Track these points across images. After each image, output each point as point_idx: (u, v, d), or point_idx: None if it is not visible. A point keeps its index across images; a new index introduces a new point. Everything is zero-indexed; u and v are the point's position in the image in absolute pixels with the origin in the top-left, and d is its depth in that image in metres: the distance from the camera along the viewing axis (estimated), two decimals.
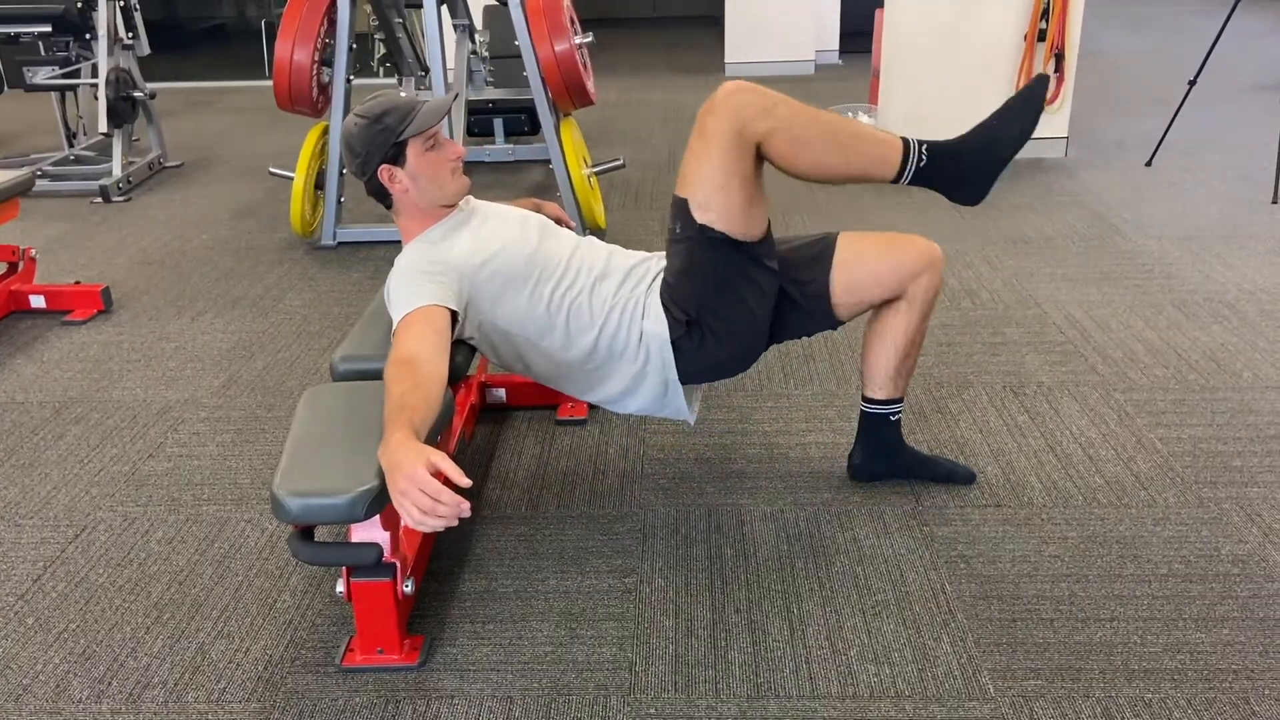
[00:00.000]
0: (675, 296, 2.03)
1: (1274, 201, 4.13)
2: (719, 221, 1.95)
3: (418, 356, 1.76)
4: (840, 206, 4.33)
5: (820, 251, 2.13)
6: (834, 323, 2.15)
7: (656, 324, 2.03)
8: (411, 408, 1.63)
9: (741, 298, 2.04)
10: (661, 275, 2.09)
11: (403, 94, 2.02)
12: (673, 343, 2.03)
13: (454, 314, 1.91)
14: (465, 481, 1.51)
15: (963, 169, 2.00)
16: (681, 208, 1.99)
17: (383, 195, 2.05)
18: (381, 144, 1.97)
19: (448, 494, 1.48)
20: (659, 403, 2.13)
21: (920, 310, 2.14)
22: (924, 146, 1.97)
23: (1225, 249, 3.68)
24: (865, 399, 2.26)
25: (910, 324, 2.14)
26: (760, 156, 1.94)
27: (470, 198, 2.16)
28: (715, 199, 1.94)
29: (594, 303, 2.05)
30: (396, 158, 1.99)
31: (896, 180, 1.99)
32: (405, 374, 1.72)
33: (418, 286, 1.90)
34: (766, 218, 2.04)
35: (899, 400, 2.24)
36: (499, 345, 2.09)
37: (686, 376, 2.08)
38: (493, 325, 2.04)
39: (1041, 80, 2.01)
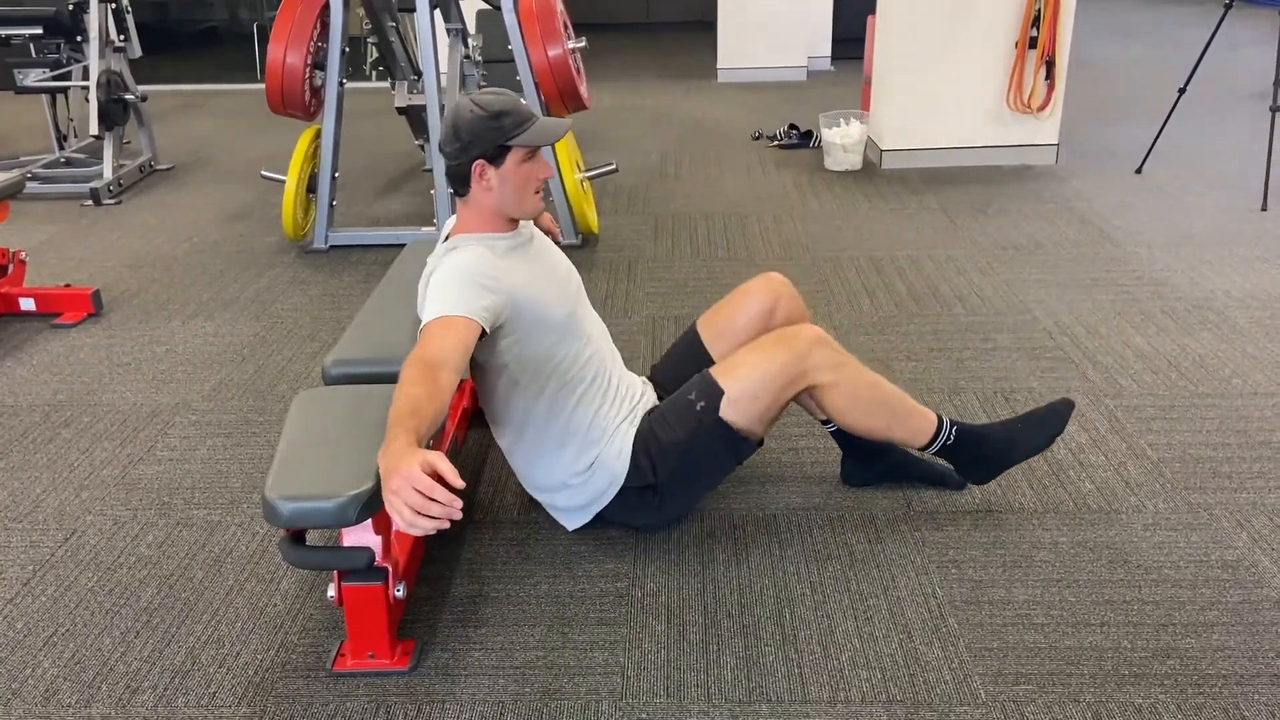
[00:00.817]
0: (653, 454, 2.08)
1: (1263, 209, 4.15)
2: (738, 419, 2.06)
3: (445, 364, 1.74)
4: (830, 213, 4.34)
5: (688, 346, 2.32)
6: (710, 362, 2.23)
7: (617, 461, 2.08)
8: (421, 416, 1.61)
9: (708, 484, 2.24)
10: (640, 414, 2.14)
11: (521, 100, 2.01)
12: (623, 489, 2.10)
13: (483, 333, 1.89)
14: (459, 483, 1.51)
15: (980, 458, 2.20)
16: (713, 391, 2.06)
17: (463, 183, 2.01)
18: (489, 140, 1.95)
19: (441, 492, 1.48)
20: (564, 511, 2.18)
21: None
22: (955, 429, 2.17)
23: (1214, 256, 3.70)
24: (823, 421, 2.30)
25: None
26: (804, 391, 2.10)
27: (531, 225, 2.18)
28: (746, 403, 2.05)
29: (587, 396, 2.08)
30: (496, 158, 1.97)
31: (922, 450, 2.19)
32: (426, 378, 1.69)
33: (468, 292, 1.87)
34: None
35: None
36: (490, 368, 2.06)
37: (608, 512, 2.15)
38: (498, 353, 2.02)
39: (1069, 404, 2.22)
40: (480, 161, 1.96)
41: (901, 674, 1.81)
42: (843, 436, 2.30)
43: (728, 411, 2.04)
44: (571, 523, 2.20)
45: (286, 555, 1.76)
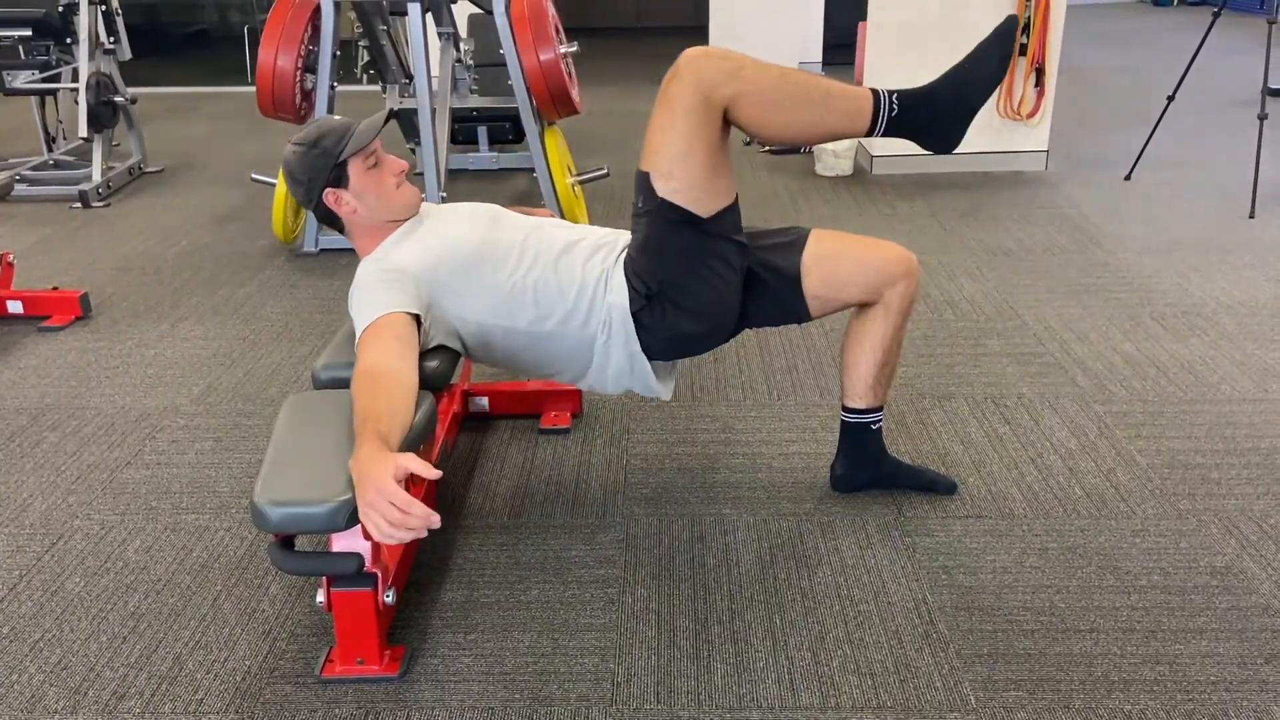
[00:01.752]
0: (637, 269, 2.01)
1: (1250, 216, 4.17)
2: (681, 193, 1.92)
3: (379, 366, 1.76)
4: (821, 217, 4.35)
5: (793, 240, 2.13)
6: (803, 315, 2.14)
7: (618, 295, 2.01)
8: (376, 416, 1.62)
9: (705, 272, 2.02)
10: (626, 249, 2.08)
11: (335, 118, 2.03)
12: (634, 315, 2.01)
13: (416, 318, 1.89)
14: (434, 474, 1.50)
15: (935, 115, 1.97)
16: (644, 181, 1.96)
17: (332, 219, 2.04)
18: (322, 168, 1.97)
19: (418, 506, 1.47)
20: (628, 376, 2.10)
21: (896, 318, 2.15)
22: (894, 96, 1.94)
23: (1203, 263, 3.71)
24: (845, 409, 2.27)
25: (887, 332, 2.15)
26: (727, 123, 1.91)
27: (426, 204, 2.15)
28: (678, 167, 1.91)
29: (560, 277, 2.02)
30: (339, 180, 1.99)
31: (870, 133, 1.96)
32: (367, 385, 1.71)
33: (374, 296, 1.89)
34: (733, 190, 2.01)
35: (879, 409, 2.25)
36: (475, 344, 2.07)
37: (650, 350, 2.05)
38: (462, 322, 2.03)
39: (1010, 21, 1.98)
40: (328, 190, 1.99)
41: (892, 680, 1.81)
42: (851, 431, 2.27)
43: (666, 190, 1.92)
44: (645, 384, 2.10)
45: (275, 561, 1.75)
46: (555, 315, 2.03)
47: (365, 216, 2.02)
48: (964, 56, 1.99)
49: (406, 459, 1.50)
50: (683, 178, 1.91)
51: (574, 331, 2.04)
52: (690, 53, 1.88)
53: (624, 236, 2.13)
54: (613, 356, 2.07)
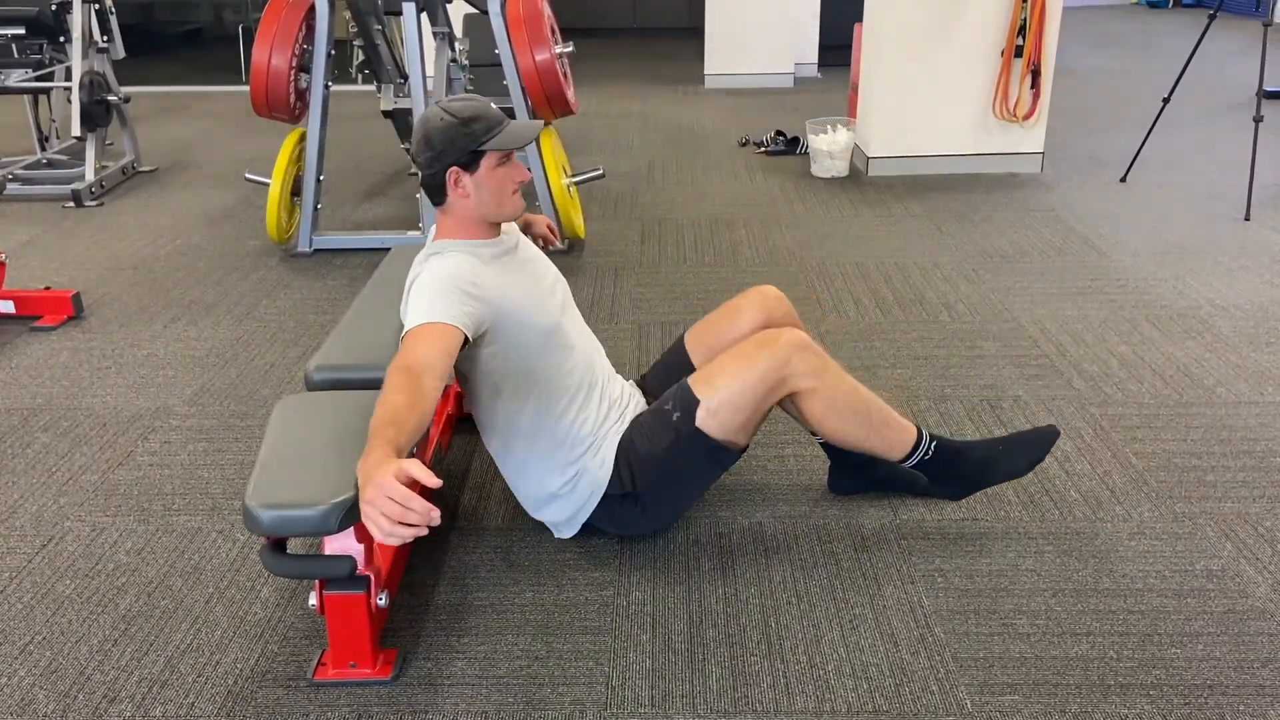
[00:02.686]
0: (633, 464, 2.07)
1: (1246, 218, 4.18)
2: (717, 430, 2.03)
3: (428, 370, 1.72)
4: (817, 220, 4.34)
5: (675, 357, 2.29)
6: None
7: (600, 469, 2.08)
8: (401, 426, 1.59)
9: (691, 494, 2.21)
10: (628, 420, 2.13)
11: (491, 104, 2.00)
12: (605, 496, 2.09)
13: (466, 340, 1.88)
14: (436, 482, 1.49)
15: (957, 475, 2.18)
16: (689, 402, 2.04)
17: (439, 192, 2.00)
18: (462, 147, 1.94)
19: (418, 500, 1.46)
20: (554, 517, 2.17)
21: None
22: (934, 444, 2.13)
23: (1199, 265, 3.71)
24: (812, 433, 2.20)
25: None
26: (786, 400, 2.07)
27: (516, 229, 2.17)
28: (726, 413, 2.02)
29: (572, 407, 2.07)
30: (470, 164, 1.96)
31: (900, 463, 2.14)
32: (408, 385, 1.67)
33: (451, 300, 1.85)
34: (750, 438, 2.13)
35: None
36: (474, 378, 2.05)
37: (594, 520, 2.13)
38: (481, 361, 2.01)
39: (1054, 431, 2.18)
40: (454, 169, 1.95)
41: (887, 684, 1.80)
42: (831, 446, 2.29)
43: (706, 422, 2.02)
44: (562, 533, 2.19)
45: (267, 563, 1.74)
46: (545, 426, 2.06)
47: (473, 207, 2.00)
48: (1006, 437, 2.20)
49: (410, 464, 1.49)
50: (725, 421, 2.03)
51: (544, 452, 2.08)
52: (792, 338, 2.04)
53: (634, 399, 2.22)
54: (557, 502, 2.12)
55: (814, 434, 2.20)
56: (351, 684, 1.82)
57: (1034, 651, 1.86)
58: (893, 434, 2.10)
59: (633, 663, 1.86)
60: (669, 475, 2.08)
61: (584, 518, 2.13)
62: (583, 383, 2.10)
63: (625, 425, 2.12)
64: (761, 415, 2.07)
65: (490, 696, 1.79)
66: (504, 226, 2.09)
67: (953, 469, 2.16)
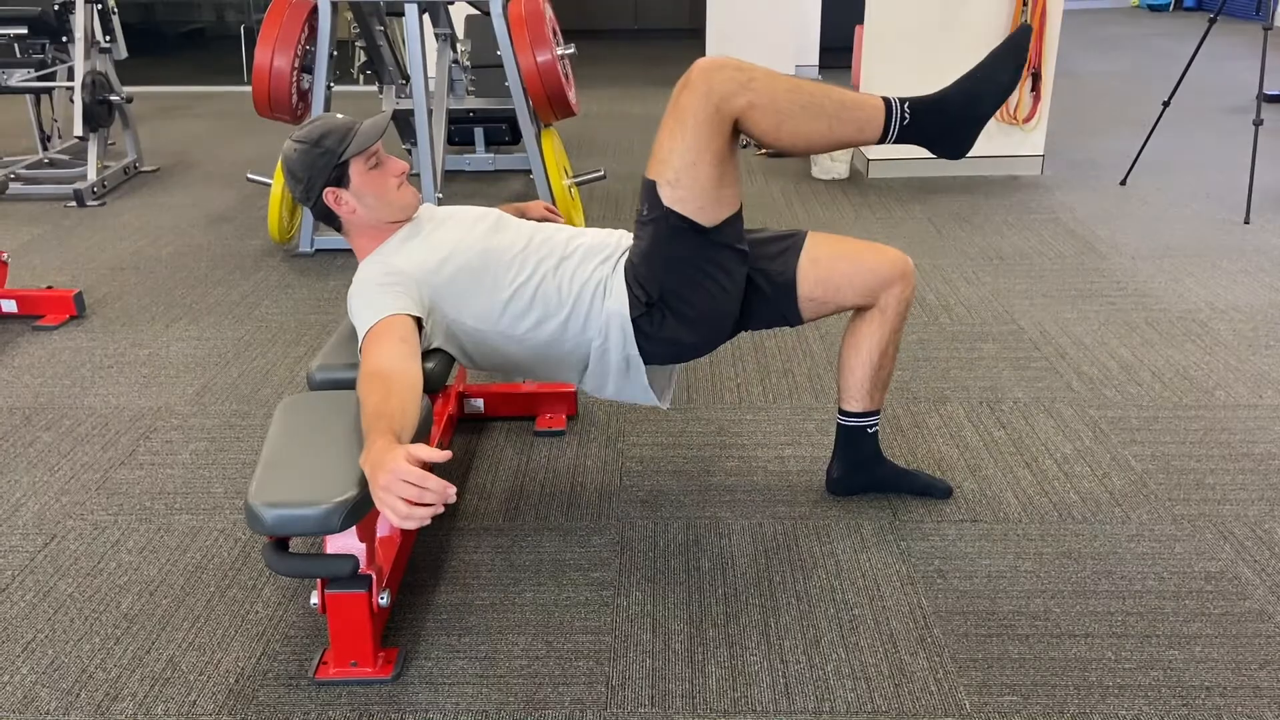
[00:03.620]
0: (638, 276, 2.02)
1: (1245, 222, 4.19)
2: (687, 201, 1.92)
3: (386, 367, 1.76)
4: (817, 222, 4.35)
5: (789, 245, 2.13)
6: (795, 319, 2.14)
7: (618, 302, 2.02)
8: (389, 415, 1.62)
9: (706, 282, 2.02)
10: (627, 253, 2.08)
11: (338, 116, 2.02)
12: (633, 321, 2.02)
13: (418, 320, 1.90)
14: (445, 455, 1.51)
15: (947, 123, 1.98)
16: (650, 189, 1.96)
17: (330, 218, 2.05)
18: (323, 167, 1.97)
19: (433, 479, 1.48)
20: (624, 382, 2.11)
21: (893, 321, 2.15)
22: (906, 104, 1.95)
23: (1198, 268, 3.72)
24: (842, 412, 2.27)
25: (884, 335, 2.16)
26: (736, 133, 1.91)
27: (425, 206, 2.15)
28: (685, 176, 1.91)
29: (560, 284, 2.03)
30: (340, 179, 1.99)
31: (881, 140, 1.97)
32: (376, 386, 1.71)
33: (377, 298, 1.89)
34: (738, 199, 2.01)
35: (875, 413, 2.25)
36: (472, 348, 2.08)
37: (647, 355, 2.06)
38: (462, 327, 2.03)
39: (1024, 30, 1.98)
40: (329, 190, 1.99)
41: (887, 685, 1.81)
42: (847, 435, 2.28)
43: (671, 196, 1.92)
44: (641, 390, 2.11)
45: (270, 562, 1.74)
46: (554, 321, 2.03)
47: (364, 217, 2.03)
48: (977, 64, 1.98)
49: (417, 447, 1.51)
50: (689, 186, 1.91)
51: (572, 336, 2.05)
52: (703, 63, 1.88)
53: (625, 239, 2.13)
54: (610, 361, 2.07)
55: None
56: (352, 683, 1.82)
57: (1033, 653, 1.87)
58: (859, 112, 1.94)
59: (633, 663, 1.87)
60: (670, 268, 1.98)
61: (638, 361, 2.04)
62: (558, 264, 2.04)
63: (620, 259, 2.07)
64: (722, 161, 1.91)
65: (490, 696, 1.79)
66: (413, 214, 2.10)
67: (939, 121, 1.96)
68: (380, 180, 2.02)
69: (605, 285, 2.03)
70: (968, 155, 2.05)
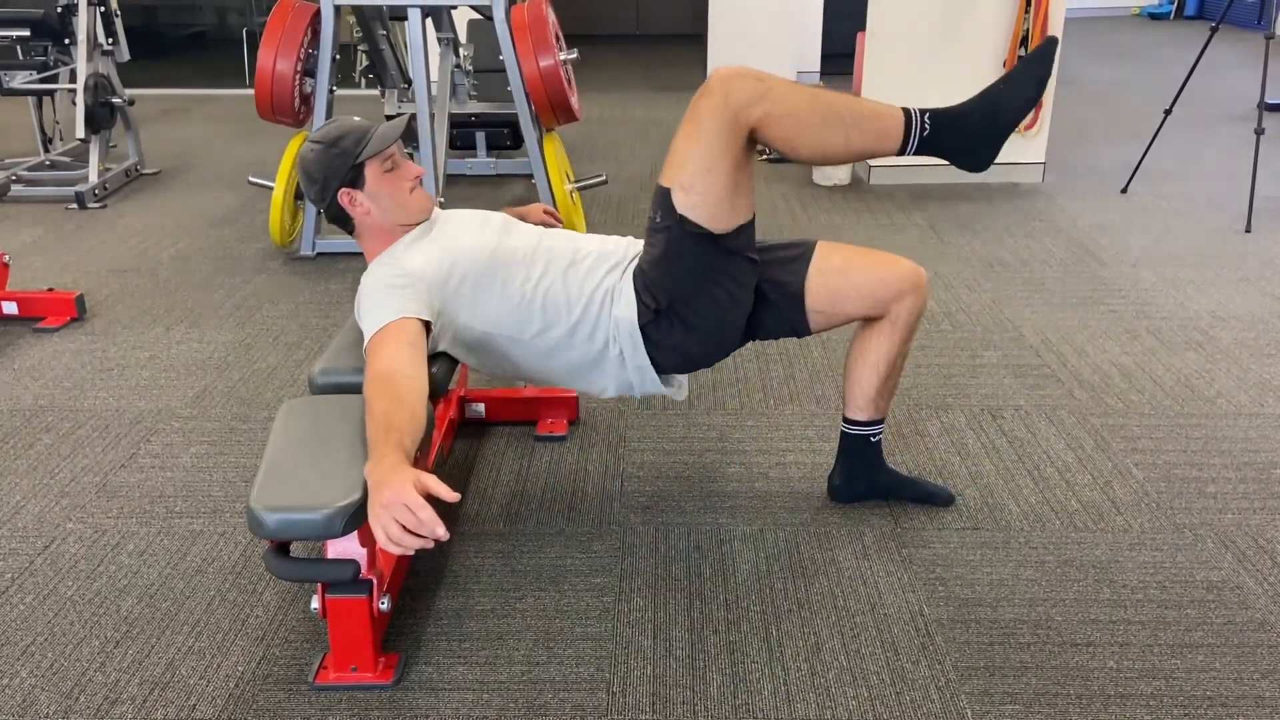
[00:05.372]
0: (648, 283, 2.01)
1: (1247, 230, 4.19)
2: (700, 208, 1.92)
3: (395, 371, 1.75)
4: (819, 229, 4.35)
5: (799, 254, 2.13)
6: (804, 329, 2.14)
7: (626, 309, 2.02)
8: (399, 428, 1.61)
9: (716, 290, 2.01)
10: (636, 259, 2.08)
11: (355, 118, 2.03)
12: (641, 329, 2.01)
13: (427, 324, 1.89)
14: (454, 496, 1.50)
15: (968, 135, 1.96)
16: (664, 196, 1.96)
17: (344, 219, 2.05)
18: (339, 168, 1.98)
19: (429, 514, 1.47)
20: (636, 386, 2.11)
21: (903, 332, 2.14)
22: (926, 115, 1.93)
23: (1199, 276, 3.72)
24: (846, 420, 2.26)
25: (893, 346, 2.15)
26: (752, 142, 1.91)
27: (435, 209, 2.15)
28: (699, 182, 1.90)
29: (569, 290, 2.03)
30: (355, 180, 1.99)
31: (900, 152, 1.95)
32: (385, 391, 1.70)
33: (386, 300, 1.89)
34: (751, 208, 2.01)
35: (880, 421, 2.25)
36: (479, 351, 2.07)
37: (657, 363, 2.07)
38: (469, 330, 2.03)
39: (1051, 42, 1.97)
40: (344, 190, 1.99)
41: (888, 692, 1.80)
42: (850, 442, 2.27)
43: (684, 203, 1.92)
44: (653, 388, 2.10)
45: (270, 566, 1.74)
46: (561, 326, 2.03)
47: (378, 219, 2.02)
48: (1001, 77, 1.97)
49: (429, 479, 1.50)
50: (703, 194, 1.91)
51: (580, 343, 2.05)
52: (722, 71, 1.88)
53: (633, 246, 2.14)
54: (619, 368, 2.08)
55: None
56: (352, 688, 1.82)
57: (1034, 661, 1.87)
58: (878, 123, 1.93)
59: (634, 669, 1.86)
60: (681, 275, 1.98)
61: (647, 365, 2.04)
62: (567, 269, 2.04)
63: (630, 266, 2.07)
64: (737, 170, 1.91)
65: (491, 702, 1.79)
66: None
67: (961, 133, 1.95)
68: (395, 183, 2.02)
69: (614, 292, 2.03)
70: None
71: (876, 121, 1.94)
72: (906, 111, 1.93)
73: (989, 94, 1.96)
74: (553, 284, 2.03)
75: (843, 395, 2.26)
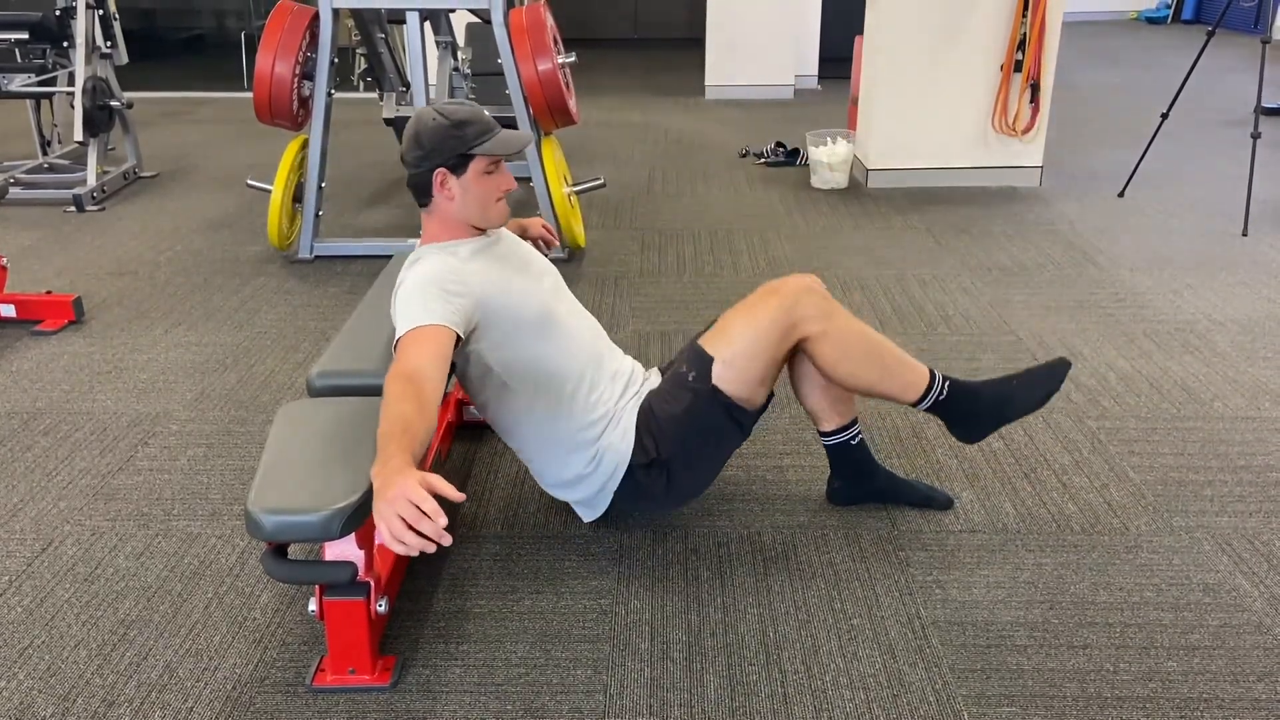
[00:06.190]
0: (654, 429, 2.06)
1: (1243, 234, 4.20)
2: (733, 383, 2.04)
3: (425, 377, 1.72)
4: (817, 231, 4.36)
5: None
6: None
7: (622, 442, 2.06)
8: (414, 434, 1.59)
9: (716, 458, 2.16)
10: (644, 393, 2.12)
11: (485, 111, 2.01)
12: (629, 467, 2.07)
13: (459, 339, 1.89)
14: (460, 496, 1.50)
15: (973, 414, 2.16)
16: (703, 360, 2.05)
17: (424, 192, 2.01)
18: (451, 149, 1.95)
19: (432, 504, 1.47)
20: (583, 503, 2.17)
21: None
22: (947, 383, 2.13)
23: (1196, 280, 3.73)
24: (820, 433, 2.27)
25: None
26: (796, 349, 2.08)
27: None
28: (740, 361, 2.03)
29: (581, 388, 2.06)
30: (458, 167, 1.97)
31: (914, 405, 2.13)
32: (411, 393, 1.67)
33: (435, 302, 1.86)
34: (771, 391, 2.14)
35: (851, 424, 2.25)
36: (478, 381, 2.06)
37: (620, 499, 2.12)
38: (480, 358, 2.02)
39: (1065, 364, 2.16)
40: (442, 170, 1.97)
41: (885, 695, 1.80)
42: (834, 452, 2.29)
43: (721, 376, 2.03)
44: (589, 514, 2.18)
45: (268, 569, 1.74)
46: (559, 411, 2.05)
47: (457, 210, 2.01)
48: (1018, 373, 2.17)
49: (434, 478, 1.50)
50: (740, 371, 2.04)
51: (563, 436, 2.07)
52: (798, 283, 2.07)
53: (650, 379, 2.19)
54: (583, 482, 2.11)
55: (824, 435, 2.24)
56: (350, 690, 1.82)
57: (1031, 664, 1.87)
58: (906, 374, 2.11)
59: (631, 671, 1.87)
60: (692, 437, 2.07)
61: (610, 494, 2.10)
62: (589, 363, 2.09)
63: (641, 398, 2.12)
64: (776, 366, 2.07)
65: (488, 704, 1.79)
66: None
67: (968, 409, 2.15)
68: (490, 186, 2.01)
69: (616, 416, 2.08)
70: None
71: (908, 374, 2.11)
72: (933, 374, 2.12)
73: (1004, 385, 2.16)
74: (578, 377, 2.06)
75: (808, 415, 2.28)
